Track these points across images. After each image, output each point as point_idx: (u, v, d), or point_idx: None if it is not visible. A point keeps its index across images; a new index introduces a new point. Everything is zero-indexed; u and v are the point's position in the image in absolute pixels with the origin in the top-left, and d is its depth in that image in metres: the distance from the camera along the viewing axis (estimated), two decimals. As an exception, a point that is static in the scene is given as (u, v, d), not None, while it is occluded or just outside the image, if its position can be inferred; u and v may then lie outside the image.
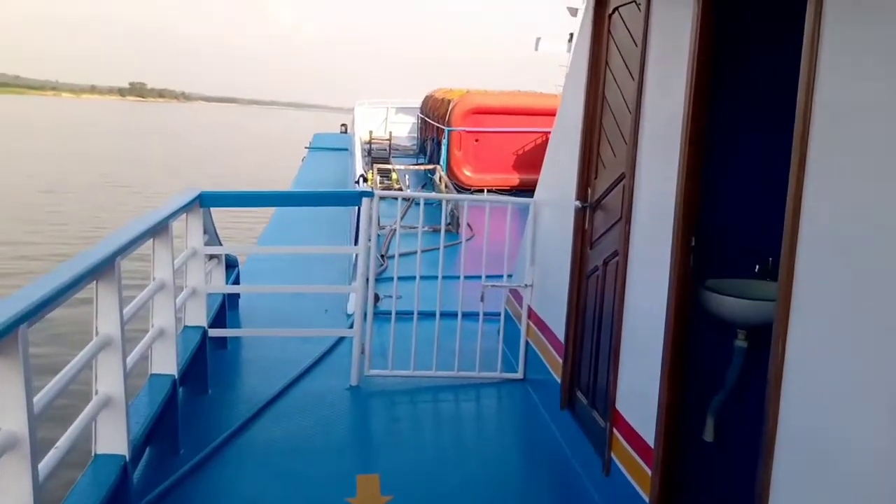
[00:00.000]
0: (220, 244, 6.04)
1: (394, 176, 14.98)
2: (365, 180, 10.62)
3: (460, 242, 8.63)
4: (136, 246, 3.73)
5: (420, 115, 20.55)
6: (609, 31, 4.26)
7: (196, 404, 5.02)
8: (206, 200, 5.23)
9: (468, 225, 10.85)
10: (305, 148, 22.90)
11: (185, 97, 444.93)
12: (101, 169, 40.14)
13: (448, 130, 14.76)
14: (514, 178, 15.08)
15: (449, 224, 11.25)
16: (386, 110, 26.37)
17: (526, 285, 5.76)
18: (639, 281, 3.60)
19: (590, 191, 4.45)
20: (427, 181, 15.18)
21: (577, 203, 4.49)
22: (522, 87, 17.25)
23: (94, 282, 3.16)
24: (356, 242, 5.92)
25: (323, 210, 13.37)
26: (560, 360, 4.76)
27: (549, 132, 14.78)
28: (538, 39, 23.31)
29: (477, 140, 14.94)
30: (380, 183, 13.46)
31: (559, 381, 4.74)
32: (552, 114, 15.32)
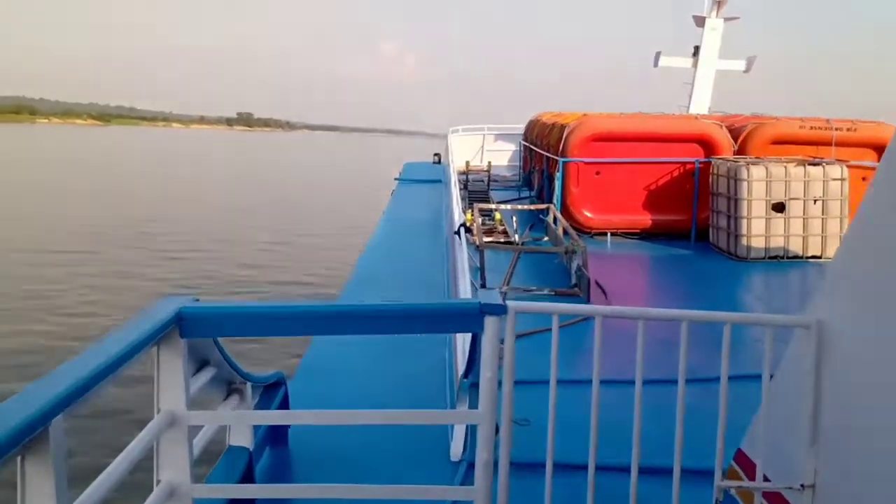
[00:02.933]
0: (237, 367, 3.54)
1: (497, 216, 12.42)
2: (468, 230, 8.10)
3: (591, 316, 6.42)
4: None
5: (523, 142, 17.92)
6: None
7: None
8: (190, 326, 2.77)
9: (597, 285, 8.18)
10: (395, 179, 20.72)
11: (289, 126, 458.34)
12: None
13: (562, 161, 12.06)
14: (644, 220, 12.24)
15: (575, 285, 8.65)
16: (482, 137, 24.02)
17: (802, 486, 2.93)
18: None
19: None
20: (534, 221, 12.57)
21: None
22: (626, 109, 14.42)
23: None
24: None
25: (412, 248, 11.06)
26: None
27: (690, 162, 11.91)
28: (658, 54, 20.44)
29: (598, 173, 12.18)
30: (482, 224, 10.99)
31: None
32: (691, 139, 12.58)
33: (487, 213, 12.56)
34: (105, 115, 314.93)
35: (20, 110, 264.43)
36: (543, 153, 13.76)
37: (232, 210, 36.80)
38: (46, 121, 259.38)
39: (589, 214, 12.10)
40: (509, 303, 2.83)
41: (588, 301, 7.95)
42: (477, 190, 16.59)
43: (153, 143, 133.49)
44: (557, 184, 12.15)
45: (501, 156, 23.28)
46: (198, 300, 2.87)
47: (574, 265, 8.60)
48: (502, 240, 11.20)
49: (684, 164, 12.19)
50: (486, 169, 19.36)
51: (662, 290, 9.37)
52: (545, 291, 8.30)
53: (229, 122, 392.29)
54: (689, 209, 12.17)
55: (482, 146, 23.96)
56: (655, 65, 20.15)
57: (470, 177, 18.07)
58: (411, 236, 12.40)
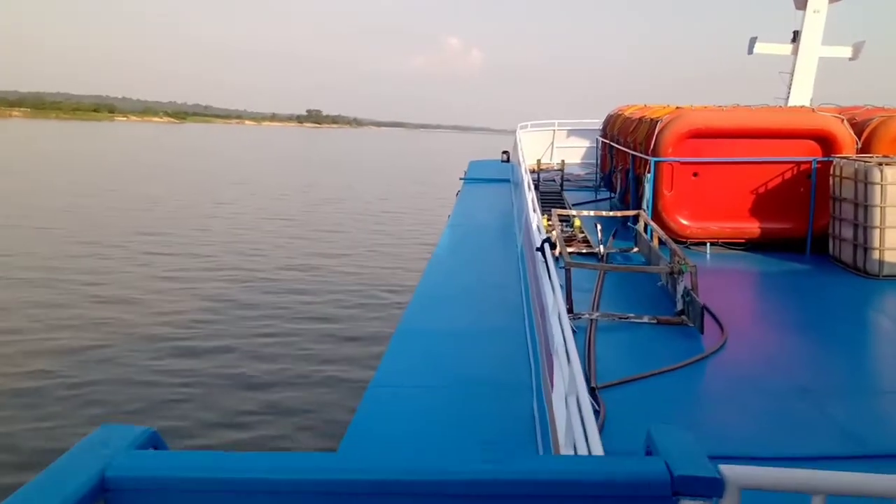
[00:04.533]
0: None
1: (576, 223, 10.93)
2: (552, 246, 6.66)
3: (712, 353, 6.02)
4: None
5: (601, 138, 16.30)
6: None
7: None
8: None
9: (710, 314, 6.68)
10: (460, 179, 19.38)
11: (357, 122, 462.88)
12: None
13: (654, 161, 10.46)
14: (750, 228, 10.55)
15: (681, 312, 7.13)
16: (552, 133, 22.48)
17: None
18: None
19: None
20: (617, 227, 11.04)
21: None
22: (711, 102, 12.67)
23: None
24: None
25: (481, 260, 9.77)
26: None
27: (806, 162, 10.15)
28: (753, 41, 18.46)
29: (696, 174, 10.53)
30: (561, 233, 9.52)
31: None
32: (807, 136, 10.69)
33: (565, 219, 11.08)
34: (181, 113, 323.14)
35: (99, 109, 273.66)
36: (629, 151, 12.15)
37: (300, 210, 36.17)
38: (125, 119, 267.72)
39: (684, 222, 10.47)
40: (725, 472, 1.45)
41: (701, 332, 6.45)
42: (549, 191, 15.10)
43: (230, 137, 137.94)
44: (647, 186, 10.56)
45: (574, 153, 21.72)
46: (155, 434, 1.64)
47: (680, 287, 7.06)
48: (584, 250, 9.72)
49: (798, 163, 10.45)
50: (558, 168, 17.83)
51: (784, 317, 7.73)
52: (645, 319, 6.81)
53: (299, 119, 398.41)
54: (804, 216, 10.44)
55: (552, 143, 22.44)
56: (750, 52, 18.19)
57: (541, 176, 16.59)
58: (480, 246, 11.03)
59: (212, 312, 16.01)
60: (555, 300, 4.70)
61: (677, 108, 11.47)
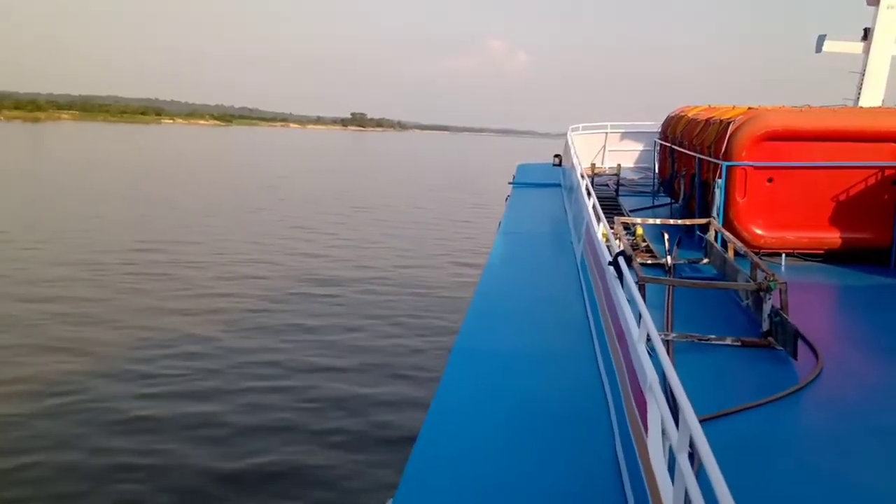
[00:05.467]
0: None
1: (638, 231, 10.23)
2: (629, 261, 6.01)
3: (808, 382, 5.35)
4: None
5: (660, 141, 15.54)
6: None
7: None
8: None
9: (802, 338, 5.97)
10: (509, 184, 18.76)
11: (401, 126, 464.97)
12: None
13: (725, 166, 9.72)
14: (830, 238, 9.75)
15: (767, 333, 6.43)
16: (604, 136, 21.73)
17: None
18: None
19: None
20: (680, 235, 10.32)
21: None
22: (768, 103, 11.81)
23: None
24: None
25: (537, 272, 9.17)
26: None
27: (891, 167, 9.30)
28: (821, 38, 17.52)
29: (771, 180, 9.76)
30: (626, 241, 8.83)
31: None
32: (892, 138, 9.89)
33: (627, 228, 10.40)
34: (227, 116, 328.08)
35: (146, 111, 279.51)
36: (695, 155, 11.41)
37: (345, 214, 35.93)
38: (171, 121, 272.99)
39: (758, 231, 9.71)
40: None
41: (794, 358, 5.75)
42: (604, 196, 14.37)
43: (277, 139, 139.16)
44: (718, 193, 9.81)
45: (628, 157, 20.93)
46: None
47: (767, 306, 6.35)
48: (648, 261, 9.03)
49: (882, 169, 9.62)
50: (613, 172, 17.09)
51: (881, 339, 6.95)
52: (727, 342, 6.12)
53: (343, 122, 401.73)
54: (888, 226, 9.61)
55: (604, 146, 21.70)
56: (818, 50, 17.26)
57: (594, 180, 15.89)
58: (535, 255, 10.40)
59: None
60: (642, 325, 4.09)
61: (749, 108, 10.70)
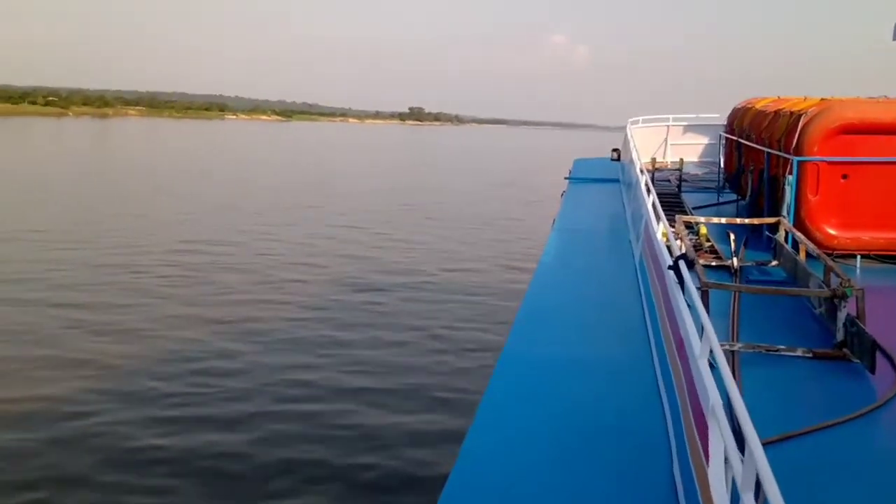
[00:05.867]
0: None
1: (702, 230, 9.69)
2: (691, 265, 5.56)
3: (888, 399, 4.83)
4: None
5: (726, 134, 14.85)
6: None
7: None
8: None
9: (880, 349, 5.45)
10: (565, 178, 18.28)
11: (458, 120, 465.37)
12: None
13: (796, 161, 9.11)
14: (912, 239, 9.05)
15: (842, 344, 5.89)
16: (666, 129, 21.00)
17: None
18: None
19: None
20: (746, 234, 9.74)
21: None
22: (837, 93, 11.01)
23: None
24: None
25: (593, 271, 8.73)
26: None
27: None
28: (900, 24, 16.53)
29: (846, 176, 9.11)
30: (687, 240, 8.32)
31: None
32: None
33: (690, 227, 9.85)
34: (287, 112, 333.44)
35: (211, 107, 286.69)
36: (763, 149, 10.78)
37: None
38: (234, 117, 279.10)
39: (832, 231, 9.06)
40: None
41: (871, 371, 5.23)
42: (665, 192, 13.76)
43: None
44: (788, 190, 9.20)
45: (691, 150, 20.19)
46: None
47: (842, 314, 5.82)
48: (712, 262, 8.50)
49: None
50: (675, 167, 16.45)
51: None
52: (798, 353, 5.62)
53: (401, 116, 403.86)
54: None
55: (666, 139, 20.99)
56: (895, 38, 16.26)
57: (655, 175, 15.28)
58: (590, 254, 9.96)
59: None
60: (704, 339, 3.68)
61: (822, 99, 10.03)
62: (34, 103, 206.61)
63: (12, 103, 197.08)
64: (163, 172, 50.57)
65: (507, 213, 35.87)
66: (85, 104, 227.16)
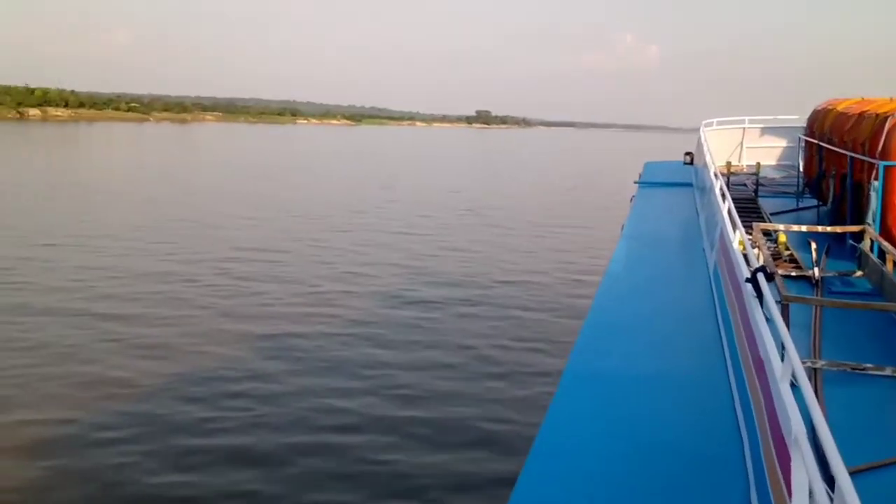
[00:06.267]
0: None
1: (781, 238, 9.28)
2: (770, 278, 5.26)
3: None
4: None
5: (806, 137, 14.25)
6: None
7: None
8: None
9: None
10: (634, 183, 17.84)
11: (525, 123, 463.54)
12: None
13: (882, 166, 8.63)
14: None
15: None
16: (741, 132, 20.31)
17: None
18: None
19: None
20: (829, 243, 9.25)
21: None
22: None
23: None
24: None
25: (665, 281, 8.41)
26: None
27: None
28: None
29: None
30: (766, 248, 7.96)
31: None
32: None
33: (768, 235, 9.45)
34: (356, 116, 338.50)
35: (283, 112, 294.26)
36: (846, 153, 10.27)
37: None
38: (305, 121, 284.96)
39: (922, 241, 8.54)
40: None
41: None
42: (741, 198, 13.26)
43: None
44: (874, 196, 8.72)
45: (768, 154, 19.45)
46: None
47: None
48: (792, 273, 8.11)
49: None
50: (752, 171, 15.87)
51: None
52: (886, 372, 5.26)
53: (468, 120, 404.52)
54: None
55: (741, 142, 20.30)
56: None
57: (730, 180, 14.77)
58: (661, 263, 9.62)
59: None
60: (786, 359, 3.44)
61: (912, 100, 9.49)
62: (117, 109, 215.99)
63: (97, 109, 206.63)
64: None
65: (572, 219, 34.47)
66: (165, 110, 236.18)
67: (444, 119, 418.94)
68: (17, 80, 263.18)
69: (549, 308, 17.96)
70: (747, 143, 19.98)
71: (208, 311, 16.78)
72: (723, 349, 5.81)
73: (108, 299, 17.33)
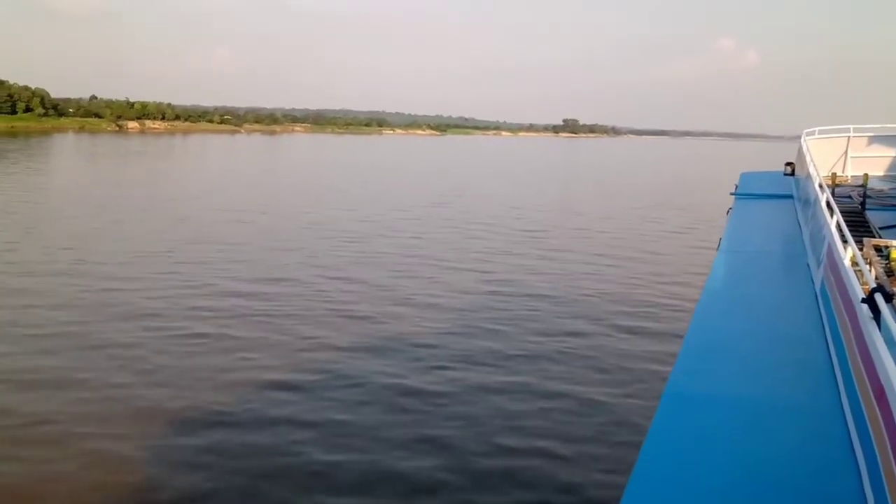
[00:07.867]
0: None
1: (893, 255, 8.45)
2: (889, 298, 4.67)
3: None
4: None
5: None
6: None
7: None
8: None
9: None
10: (731, 195, 16.96)
11: (614, 131, 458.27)
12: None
13: None
14: None
15: None
16: (846, 140, 19.08)
17: None
18: None
19: None
20: None
21: None
22: None
23: None
24: None
25: (767, 301, 7.75)
26: None
27: None
28: None
29: None
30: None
31: None
32: None
33: (880, 251, 8.62)
34: (442, 126, 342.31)
35: (370, 123, 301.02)
36: None
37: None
38: (392, 132, 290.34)
39: None
40: None
41: None
42: (847, 210, 12.28)
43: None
44: None
45: (875, 164, 18.19)
46: None
47: None
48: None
49: None
50: (858, 182, 14.80)
51: None
52: None
53: (555, 129, 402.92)
54: None
55: (846, 152, 19.08)
56: None
57: (834, 192, 13.79)
58: (763, 281, 8.91)
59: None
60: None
61: None
62: (211, 121, 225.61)
63: (192, 122, 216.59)
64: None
65: (659, 240, 31.26)
66: (256, 121, 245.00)
67: (530, 128, 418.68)
68: (117, 94, 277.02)
69: (620, 356, 15.67)
70: (852, 153, 18.78)
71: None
72: (835, 375, 5.26)
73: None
